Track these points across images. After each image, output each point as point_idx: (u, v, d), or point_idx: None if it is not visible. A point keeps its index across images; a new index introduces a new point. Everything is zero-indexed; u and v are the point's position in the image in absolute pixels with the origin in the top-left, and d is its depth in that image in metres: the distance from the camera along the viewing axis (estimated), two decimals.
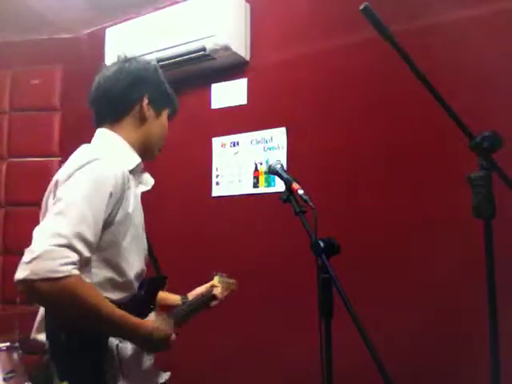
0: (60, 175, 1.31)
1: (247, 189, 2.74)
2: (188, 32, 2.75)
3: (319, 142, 2.53)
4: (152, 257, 1.57)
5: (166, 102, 1.55)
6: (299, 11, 2.68)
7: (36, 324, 1.38)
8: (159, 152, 1.59)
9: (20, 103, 3.59)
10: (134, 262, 1.40)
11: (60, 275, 1.08)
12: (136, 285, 1.42)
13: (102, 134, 1.46)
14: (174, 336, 1.40)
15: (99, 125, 1.49)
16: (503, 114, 1.97)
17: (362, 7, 0.99)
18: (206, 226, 2.84)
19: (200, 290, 1.91)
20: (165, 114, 1.55)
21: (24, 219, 3.46)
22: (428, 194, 2.21)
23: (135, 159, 1.45)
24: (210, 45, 2.69)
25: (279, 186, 2.56)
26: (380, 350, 1.18)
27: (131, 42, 3.00)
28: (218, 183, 2.83)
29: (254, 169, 2.74)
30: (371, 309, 2.03)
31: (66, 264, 1.10)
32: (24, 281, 1.08)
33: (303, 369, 2.38)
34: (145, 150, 1.50)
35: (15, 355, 2.62)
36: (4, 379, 2.52)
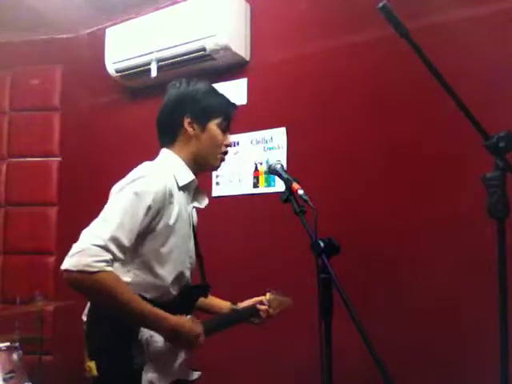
0: (115, 186, 1.51)
1: (247, 189, 2.74)
2: (188, 32, 2.76)
3: (319, 142, 2.52)
4: (200, 266, 1.70)
5: (211, 115, 1.65)
6: (299, 11, 2.68)
7: (85, 309, 1.58)
8: (221, 160, 1.69)
9: (20, 103, 3.59)
10: (172, 269, 1.55)
11: (93, 270, 1.31)
12: (173, 289, 1.57)
13: (163, 154, 1.66)
14: (201, 338, 1.51)
15: (162, 145, 1.68)
16: (504, 115, 1.97)
17: (380, 5, 0.98)
18: (206, 225, 2.83)
19: (248, 302, 1.89)
20: (212, 125, 1.64)
21: (24, 219, 3.48)
22: (428, 193, 2.20)
23: (188, 177, 1.61)
24: (210, 45, 2.69)
25: (279, 185, 2.55)
26: (380, 350, 1.17)
27: (131, 41, 3.01)
28: (218, 183, 2.83)
29: (254, 169, 2.74)
30: (371, 309, 2.04)
31: (100, 261, 1.32)
32: (65, 271, 1.32)
33: (303, 369, 2.38)
34: (199, 164, 1.66)
35: (15, 355, 2.61)
36: (4, 379, 2.52)
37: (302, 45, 2.66)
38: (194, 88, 1.67)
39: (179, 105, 1.65)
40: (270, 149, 2.69)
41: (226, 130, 1.69)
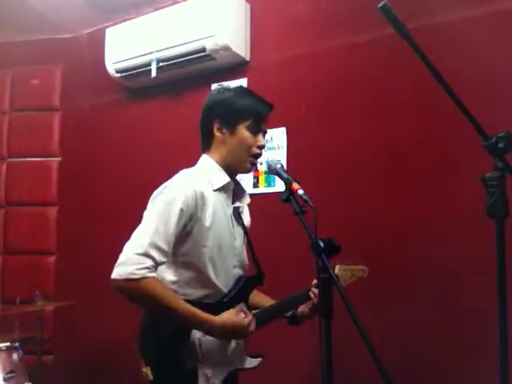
0: (154, 193, 1.59)
1: (247, 189, 2.70)
2: (188, 32, 2.76)
3: (319, 141, 2.53)
4: (254, 258, 1.78)
5: (239, 118, 1.65)
6: (299, 11, 2.68)
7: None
8: (251, 163, 1.70)
9: (20, 103, 3.59)
10: (216, 265, 1.62)
11: (137, 277, 1.42)
12: (222, 285, 1.64)
13: (201, 159, 1.73)
14: (251, 327, 1.59)
15: (202, 149, 1.74)
16: (503, 115, 1.97)
17: (380, 5, 0.98)
18: None
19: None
20: (241, 128, 1.65)
21: (24, 219, 3.48)
22: (428, 193, 2.21)
23: (222, 180, 1.66)
24: (210, 45, 2.69)
25: (279, 185, 2.55)
26: (380, 350, 1.18)
27: (131, 42, 3.01)
28: None
29: (254, 169, 2.74)
30: (371, 309, 2.04)
31: (142, 268, 1.43)
32: (113, 280, 1.44)
33: (303, 369, 2.38)
34: (231, 167, 1.69)
35: (15, 355, 2.62)
36: (4, 379, 2.52)
37: (302, 45, 2.66)
38: (225, 93, 1.71)
39: (210, 110, 1.70)
40: (269, 149, 2.69)
41: (258, 131, 1.68)
